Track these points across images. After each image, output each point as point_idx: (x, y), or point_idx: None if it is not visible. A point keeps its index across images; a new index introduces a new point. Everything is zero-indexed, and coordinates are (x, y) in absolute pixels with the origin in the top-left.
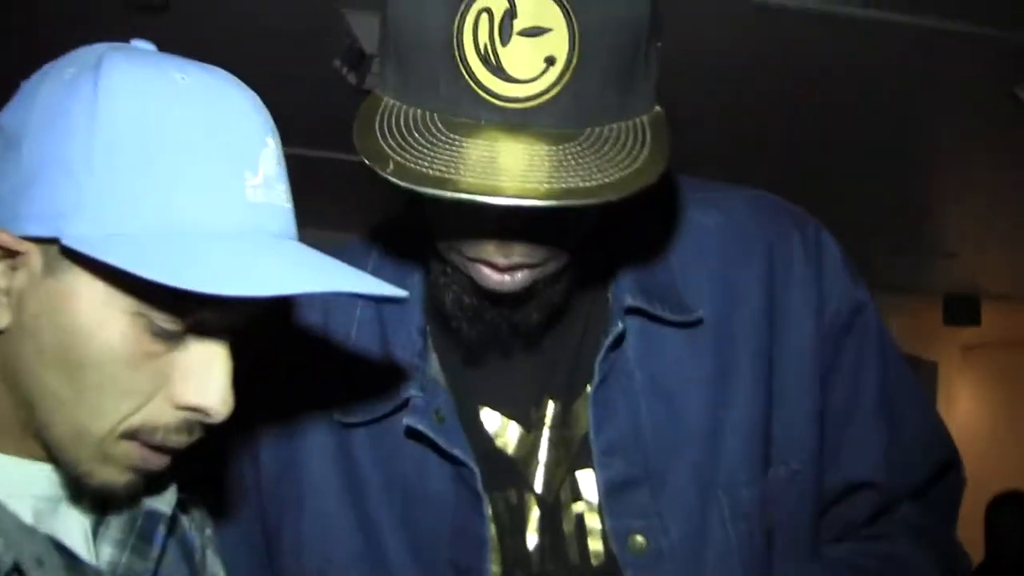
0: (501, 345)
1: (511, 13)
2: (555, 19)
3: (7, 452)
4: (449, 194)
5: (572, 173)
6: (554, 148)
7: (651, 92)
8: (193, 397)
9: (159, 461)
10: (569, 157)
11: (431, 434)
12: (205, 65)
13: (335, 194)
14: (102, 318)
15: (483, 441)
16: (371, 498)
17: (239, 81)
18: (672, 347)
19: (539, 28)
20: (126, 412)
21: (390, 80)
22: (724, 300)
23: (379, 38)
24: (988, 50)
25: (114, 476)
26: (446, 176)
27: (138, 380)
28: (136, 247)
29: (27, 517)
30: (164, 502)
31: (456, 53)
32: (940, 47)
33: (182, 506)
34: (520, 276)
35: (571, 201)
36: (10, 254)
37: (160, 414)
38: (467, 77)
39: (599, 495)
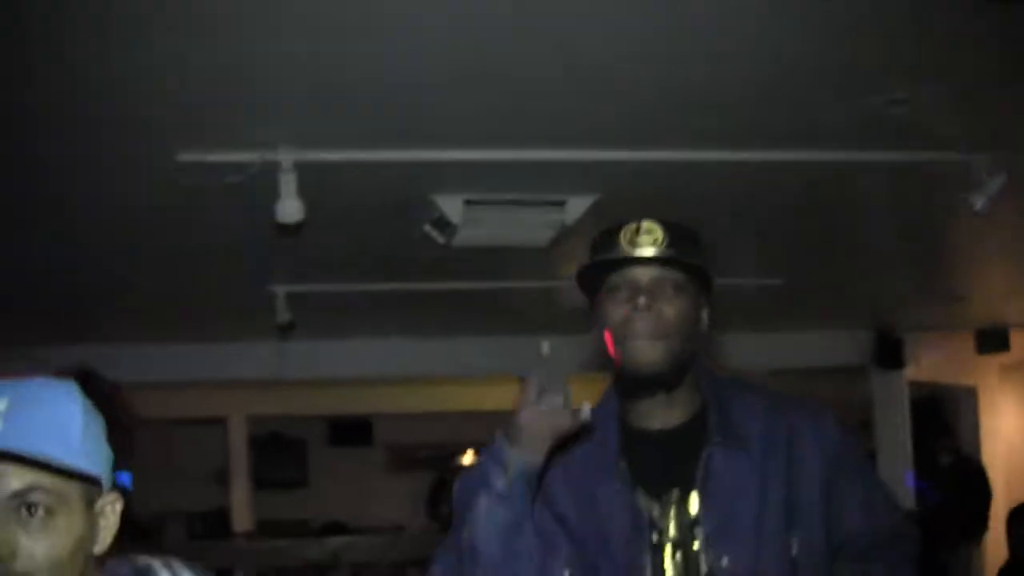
0: (644, 434)
1: (639, 228)
2: (657, 227)
3: None
4: (618, 255)
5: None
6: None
7: (708, 279)
8: None
9: None
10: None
11: (627, 495)
12: None
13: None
14: None
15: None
16: (580, 528)
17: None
18: (738, 463)
19: (651, 229)
20: None
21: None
22: (766, 441)
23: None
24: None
25: None
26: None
27: None
28: None
29: None
30: None
31: (618, 244)
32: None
33: None
34: (654, 348)
35: (666, 261)
36: None
37: None
38: (622, 248)
39: (704, 541)
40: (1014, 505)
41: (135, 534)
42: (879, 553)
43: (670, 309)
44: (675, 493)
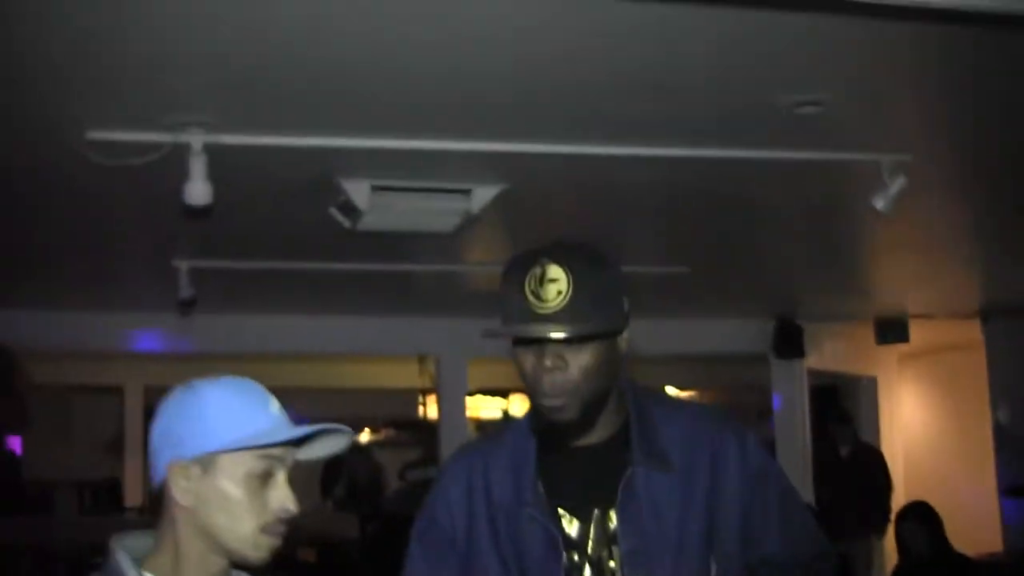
0: (565, 451)
1: (544, 273)
2: (562, 275)
3: None
4: (521, 332)
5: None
6: (558, 326)
7: (617, 319)
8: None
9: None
10: (563, 329)
11: (540, 518)
12: (236, 378)
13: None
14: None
15: (561, 527)
16: (504, 546)
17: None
18: (659, 483)
19: (555, 279)
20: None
21: (501, 319)
22: (688, 461)
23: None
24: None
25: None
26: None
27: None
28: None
29: None
30: None
31: (523, 296)
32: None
33: None
34: (558, 401)
35: (561, 336)
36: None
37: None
38: (528, 304)
39: (622, 559)
40: (910, 500)
41: (22, 502)
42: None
43: (578, 364)
44: (595, 512)
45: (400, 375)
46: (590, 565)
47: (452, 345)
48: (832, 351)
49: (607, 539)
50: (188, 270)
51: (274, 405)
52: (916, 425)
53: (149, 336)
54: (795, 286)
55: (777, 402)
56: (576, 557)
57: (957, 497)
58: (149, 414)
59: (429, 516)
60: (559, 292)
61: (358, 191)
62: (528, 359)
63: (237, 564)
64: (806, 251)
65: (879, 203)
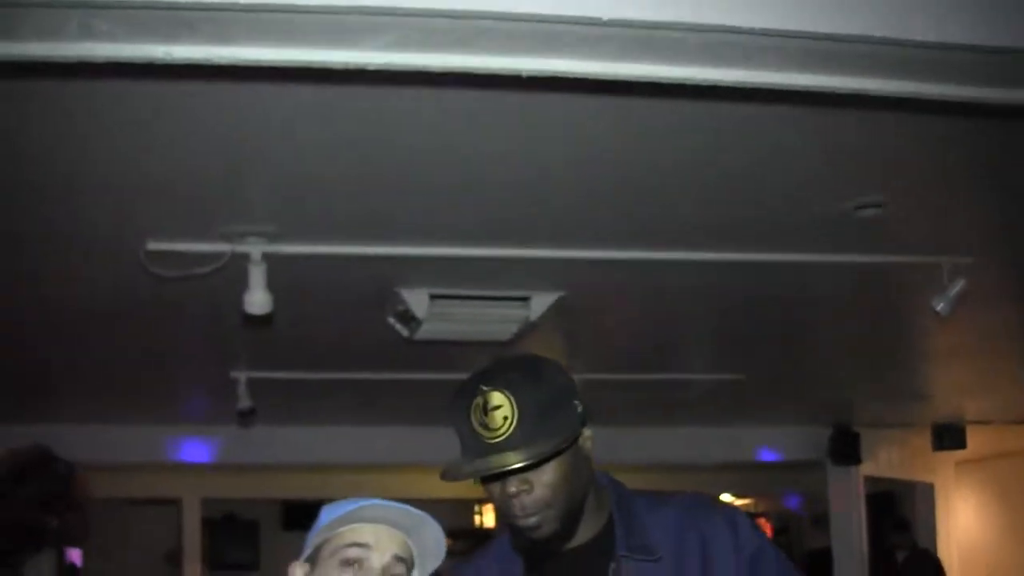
0: (551, 558)
1: (486, 402)
2: (504, 400)
3: None
4: (478, 472)
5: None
6: (511, 454)
7: (570, 427)
8: None
9: None
10: (516, 458)
11: None
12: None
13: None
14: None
15: None
16: None
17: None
18: (648, 573)
19: (498, 405)
20: None
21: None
22: (676, 548)
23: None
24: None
25: None
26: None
27: None
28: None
29: None
30: None
31: (471, 428)
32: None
33: None
34: (532, 520)
35: (510, 468)
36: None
37: None
38: (478, 436)
39: None
40: None
41: None
42: None
43: (542, 483)
44: None
45: (456, 485)
46: None
47: None
48: (888, 457)
49: None
50: (247, 381)
51: (381, 500)
52: (973, 531)
53: (207, 448)
54: (852, 392)
55: (834, 509)
56: None
57: None
58: (206, 524)
59: None
60: (505, 418)
61: (417, 300)
62: (494, 488)
63: None
64: (863, 357)
65: (939, 305)
